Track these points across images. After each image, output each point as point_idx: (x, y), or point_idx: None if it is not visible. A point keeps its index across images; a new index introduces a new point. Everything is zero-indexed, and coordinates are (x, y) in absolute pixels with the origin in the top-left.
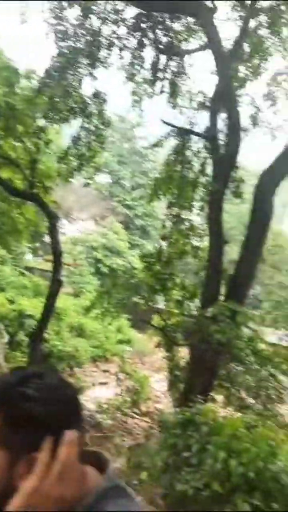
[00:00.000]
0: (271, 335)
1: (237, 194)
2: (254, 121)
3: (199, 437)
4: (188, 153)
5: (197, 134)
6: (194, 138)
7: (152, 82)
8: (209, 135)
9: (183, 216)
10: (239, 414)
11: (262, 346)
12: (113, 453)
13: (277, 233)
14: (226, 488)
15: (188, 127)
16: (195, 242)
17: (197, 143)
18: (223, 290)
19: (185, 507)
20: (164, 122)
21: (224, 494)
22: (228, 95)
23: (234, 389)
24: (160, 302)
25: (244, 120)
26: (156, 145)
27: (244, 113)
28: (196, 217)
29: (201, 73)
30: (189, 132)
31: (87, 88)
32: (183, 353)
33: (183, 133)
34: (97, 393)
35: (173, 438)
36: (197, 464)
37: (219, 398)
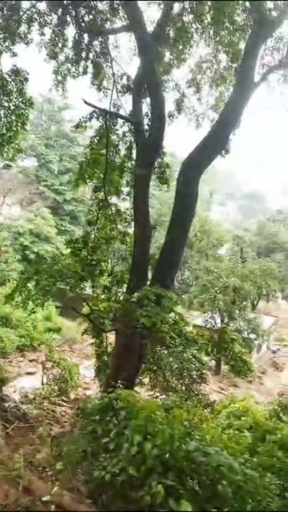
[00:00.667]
0: (199, 318)
1: (163, 180)
2: (179, 107)
3: (118, 422)
4: (114, 137)
5: (121, 116)
6: (120, 121)
7: (75, 62)
8: (133, 118)
9: (109, 201)
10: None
11: (187, 329)
12: (37, 443)
13: (204, 220)
14: (141, 471)
15: (113, 110)
16: (122, 227)
17: (123, 127)
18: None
19: (104, 493)
20: (86, 103)
21: (140, 478)
22: (150, 79)
23: (159, 371)
24: (89, 289)
25: (170, 106)
26: (77, 126)
27: (171, 99)
28: (124, 202)
29: (127, 55)
30: (112, 114)
31: (7, 65)
32: (112, 339)
33: (106, 116)
34: (24, 383)
35: (93, 424)
36: (114, 449)
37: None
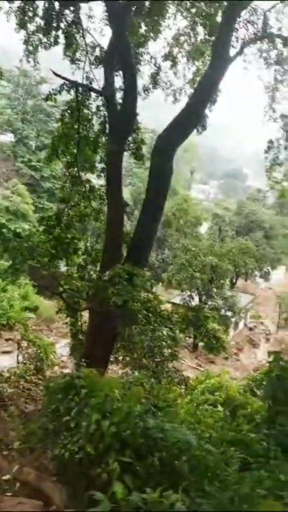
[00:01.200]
0: (177, 297)
1: (138, 156)
2: (155, 81)
3: (79, 400)
4: (87, 111)
5: (92, 89)
6: (94, 95)
7: (45, 31)
8: (105, 92)
9: (83, 178)
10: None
11: (164, 307)
12: (9, 421)
13: (183, 198)
14: (99, 449)
15: (86, 83)
16: (97, 205)
17: (96, 101)
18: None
19: (66, 470)
20: (55, 74)
21: (97, 455)
22: (122, 50)
23: (130, 349)
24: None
25: (146, 80)
26: (47, 99)
27: (147, 73)
28: (98, 179)
29: (101, 25)
30: (82, 87)
31: None
32: (88, 317)
33: (77, 88)
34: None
35: (55, 402)
36: (75, 428)
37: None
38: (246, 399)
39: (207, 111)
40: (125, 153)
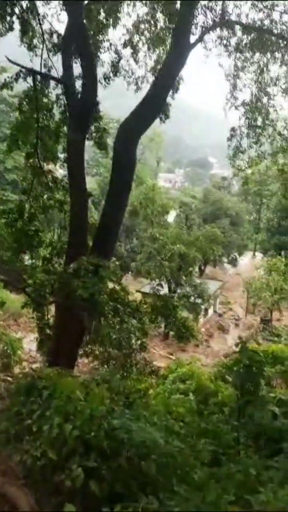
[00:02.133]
0: (146, 286)
1: (101, 145)
2: (115, 68)
3: (42, 402)
4: (46, 100)
5: (49, 77)
6: (53, 83)
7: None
8: (64, 79)
9: (45, 168)
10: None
11: (131, 297)
12: None
13: (150, 187)
14: (63, 454)
15: (44, 70)
16: (61, 196)
17: (56, 89)
18: None
19: (30, 476)
20: (10, 61)
21: (61, 461)
22: (79, 36)
23: (99, 343)
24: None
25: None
26: (2, 87)
27: (107, 60)
28: (62, 170)
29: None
30: (39, 74)
31: None
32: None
33: (35, 76)
34: None
35: (17, 405)
36: (37, 432)
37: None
38: (217, 387)
39: (170, 99)
40: (90, 143)
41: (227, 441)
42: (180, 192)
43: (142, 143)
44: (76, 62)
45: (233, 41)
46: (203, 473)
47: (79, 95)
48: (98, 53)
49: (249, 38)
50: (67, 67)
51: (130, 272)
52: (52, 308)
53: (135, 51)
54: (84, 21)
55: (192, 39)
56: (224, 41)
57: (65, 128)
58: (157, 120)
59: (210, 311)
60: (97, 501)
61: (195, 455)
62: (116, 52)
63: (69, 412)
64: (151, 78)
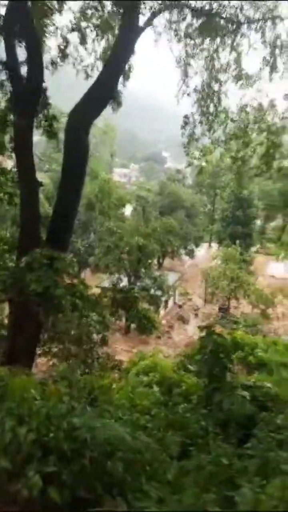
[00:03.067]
0: (106, 281)
1: (51, 134)
2: (63, 54)
3: None
4: None
5: None
6: None
7: None
8: (8, 64)
9: None
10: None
11: (91, 292)
12: None
13: (105, 180)
14: (18, 460)
15: None
16: (10, 188)
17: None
18: None
19: None
20: None
21: (16, 468)
22: (21, 18)
23: (57, 339)
24: None
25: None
26: None
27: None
28: (10, 161)
29: None
30: None
31: None
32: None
33: None
34: None
35: None
36: None
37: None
38: (180, 377)
39: (122, 88)
40: (42, 139)
41: (195, 431)
42: (135, 187)
43: (95, 137)
44: (20, 46)
45: (183, 26)
46: (173, 467)
47: (24, 81)
48: (44, 38)
49: (199, 22)
50: (10, 49)
51: (88, 268)
52: (7, 307)
53: (83, 37)
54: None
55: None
56: (174, 26)
57: (12, 117)
58: (111, 114)
59: (170, 303)
60: (58, 509)
61: (164, 449)
62: (63, 37)
63: (23, 414)
64: (101, 66)
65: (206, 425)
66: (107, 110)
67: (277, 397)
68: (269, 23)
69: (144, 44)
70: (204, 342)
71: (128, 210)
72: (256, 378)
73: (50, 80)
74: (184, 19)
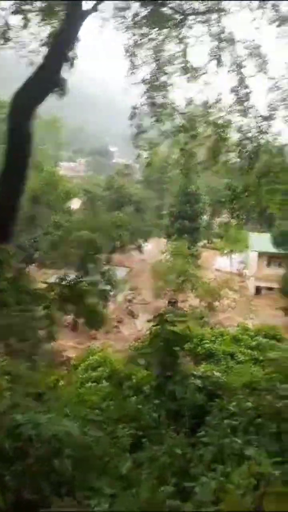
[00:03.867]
0: (53, 277)
1: None
2: (4, 36)
3: None
4: None
5: None
6: None
7: None
8: None
9: None
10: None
11: (36, 286)
12: None
13: (50, 172)
14: None
15: None
16: None
17: None
18: None
19: None
20: None
21: None
22: None
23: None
24: None
25: None
26: None
27: None
28: None
29: None
30: None
31: None
32: None
33: None
34: None
35: None
36: None
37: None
38: (130, 370)
39: (67, 75)
40: None
41: (147, 422)
42: (83, 180)
43: (40, 128)
44: None
45: (130, 14)
46: (125, 461)
47: None
48: None
49: (146, 12)
50: None
51: (33, 264)
52: None
53: (26, 22)
54: None
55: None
56: (121, 13)
57: None
58: (56, 106)
59: (119, 297)
60: None
61: (115, 442)
62: (4, 20)
63: None
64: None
65: (158, 416)
66: (53, 102)
67: (226, 385)
68: (215, 15)
69: (92, 33)
70: (156, 331)
71: (75, 204)
72: (205, 367)
73: None
74: (129, 6)
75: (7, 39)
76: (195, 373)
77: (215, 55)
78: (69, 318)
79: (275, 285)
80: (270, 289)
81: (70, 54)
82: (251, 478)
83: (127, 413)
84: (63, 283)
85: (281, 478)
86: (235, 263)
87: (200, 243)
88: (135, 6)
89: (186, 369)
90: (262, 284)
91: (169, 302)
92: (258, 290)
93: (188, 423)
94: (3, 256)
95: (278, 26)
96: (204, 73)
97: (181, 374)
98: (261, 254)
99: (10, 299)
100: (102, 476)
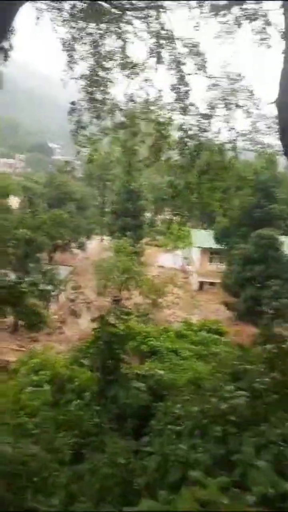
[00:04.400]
0: None
1: None
2: None
3: None
4: None
5: None
6: None
7: None
8: None
9: None
10: None
11: None
12: None
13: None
14: None
15: None
16: None
17: None
18: None
19: None
20: None
21: None
22: None
23: None
24: None
25: None
26: None
27: None
28: None
29: None
30: None
31: None
32: None
33: None
34: None
35: None
36: None
37: None
38: (73, 372)
39: (3, 69)
40: None
41: (89, 429)
42: (21, 178)
43: None
44: None
45: (67, 6)
46: (64, 474)
47: None
48: None
49: (83, 5)
50: None
51: None
52: None
53: None
54: None
55: None
56: (56, 5)
57: None
58: None
59: (62, 297)
60: None
61: (54, 453)
62: None
63: None
64: None
65: (100, 422)
66: None
67: (171, 384)
68: (153, 12)
69: (31, 26)
70: (97, 334)
71: (14, 202)
72: (148, 365)
73: None
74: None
75: None
76: (139, 372)
77: (154, 52)
78: (8, 320)
79: (217, 280)
80: (212, 284)
81: (5, 45)
82: (195, 502)
83: (68, 419)
84: (1, 284)
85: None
86: (178, 260)
87: (143, 240)
88: None
89: (129, 370)
90: (205, 280)
91: (113, 300)
92: (201, 285)
93: (132, 426)
94: None
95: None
96: (143, 70)
97: (124, 376)
98: (203, 250)
99: None
100: (38, 494)
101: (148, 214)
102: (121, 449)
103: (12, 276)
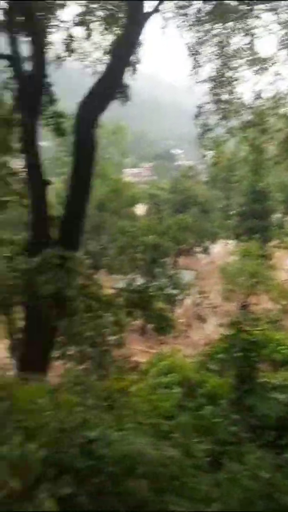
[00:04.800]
0: (120, 282)
1: (59, 131)
2: (68, 48)
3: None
4: None
5: None
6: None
7: None
8: (12, 60)
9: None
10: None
11: (104, 292)
12: None
13: (116, 180)
14: (27, 481)
15: None
16: (19, 188)
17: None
18: None
19: None
20: None
21: (25, 490)
22: (24, 12)
23: (72, 342)
24: None
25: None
26: None
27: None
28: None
29: None
30: None
31: None
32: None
33: None
34: None
35: None
36: None
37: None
38: (202, 377)
39: (131, 82)
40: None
41: (225, 438)
42: (147, 185)
43: (104, 138)
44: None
45: (192, 11)
46: (203, 481)
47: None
48: (48, 33)
49: (208, 7)
50: (14, 44)
51: (101, 270)
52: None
53: (89, 31)
54: None
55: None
56: (182, 11)
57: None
58: (118, 113)
59: (187, 301)
60: None
61: (191, 457)
62: (68, 32)
63: (32, 427)
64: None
65: (237, 431)
66: (116, 112)
67: None
68: (283, 1)
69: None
70: (231, 341)
71: (141, 209)
72: (282, 375)
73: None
74: (191, 4)
75: (71, 51)
76: (274, 382)
77: (285, 44)
78: (138, 322)
79: None
80: None
81: (133, 59)
82: None
83: (202, 424)
84: (131, 288)
85: None
86: None
87: (272, 243)
88: (196, 2)
89: (266, 379)
90: None
91: (241, 305)
92: None
93: (271, 437)
94: (72, 264)
95: None
96: (273, 64)
97: (261, 386)
98: None
99: (80, 307)
100: (179, 498)
101: (277, 215)
102: (262, 461)
103: (140, 281)
